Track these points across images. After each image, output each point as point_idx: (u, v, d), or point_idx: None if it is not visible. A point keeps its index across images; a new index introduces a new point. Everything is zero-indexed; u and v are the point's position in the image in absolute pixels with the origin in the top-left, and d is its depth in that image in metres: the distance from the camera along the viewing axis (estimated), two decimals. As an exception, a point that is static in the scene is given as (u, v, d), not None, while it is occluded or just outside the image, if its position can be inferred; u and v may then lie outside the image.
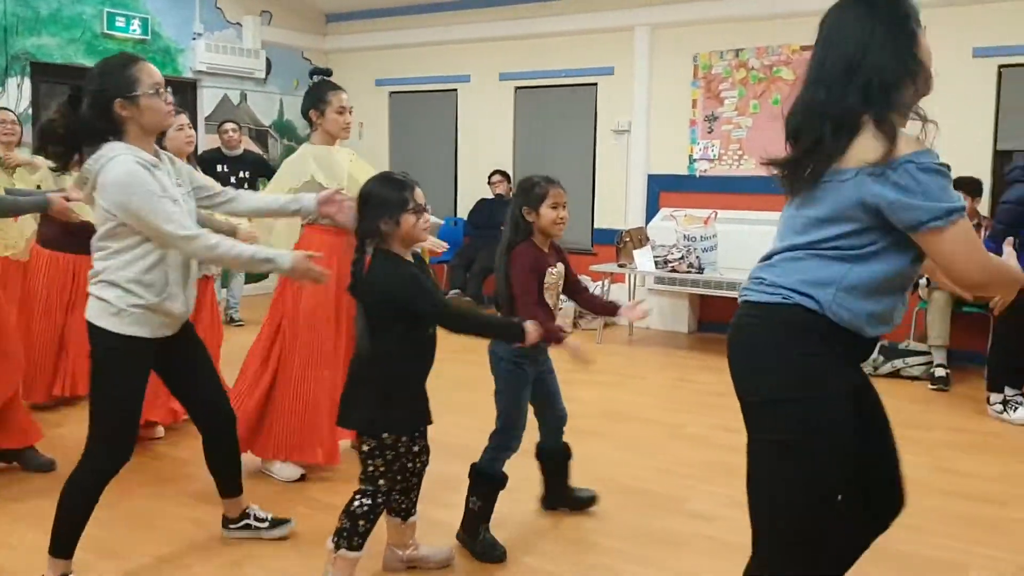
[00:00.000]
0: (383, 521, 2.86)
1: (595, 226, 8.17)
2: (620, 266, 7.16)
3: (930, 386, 5.66)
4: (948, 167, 1.76)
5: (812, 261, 1.83)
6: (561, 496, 3.48)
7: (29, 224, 4.58)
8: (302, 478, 3.82)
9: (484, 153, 8.69)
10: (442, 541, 3.13)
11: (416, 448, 2.76)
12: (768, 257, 1.94)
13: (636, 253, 7.00)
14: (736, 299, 5.94)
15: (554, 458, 3.41)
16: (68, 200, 3.75)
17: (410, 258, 2.69)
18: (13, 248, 3.73)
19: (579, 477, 3.79)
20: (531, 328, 2.66)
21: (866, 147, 1.76)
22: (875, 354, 6.02)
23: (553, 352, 3.20)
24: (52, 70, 7.48)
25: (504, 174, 8.35)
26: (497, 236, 8.65)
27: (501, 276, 3.12)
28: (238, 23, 8.88)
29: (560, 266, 3.20)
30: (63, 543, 2.74)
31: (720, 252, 6.81)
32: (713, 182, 7.52)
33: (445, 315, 2.64)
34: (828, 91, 1.84)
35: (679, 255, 6.77)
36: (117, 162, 2.57)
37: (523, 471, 3.46)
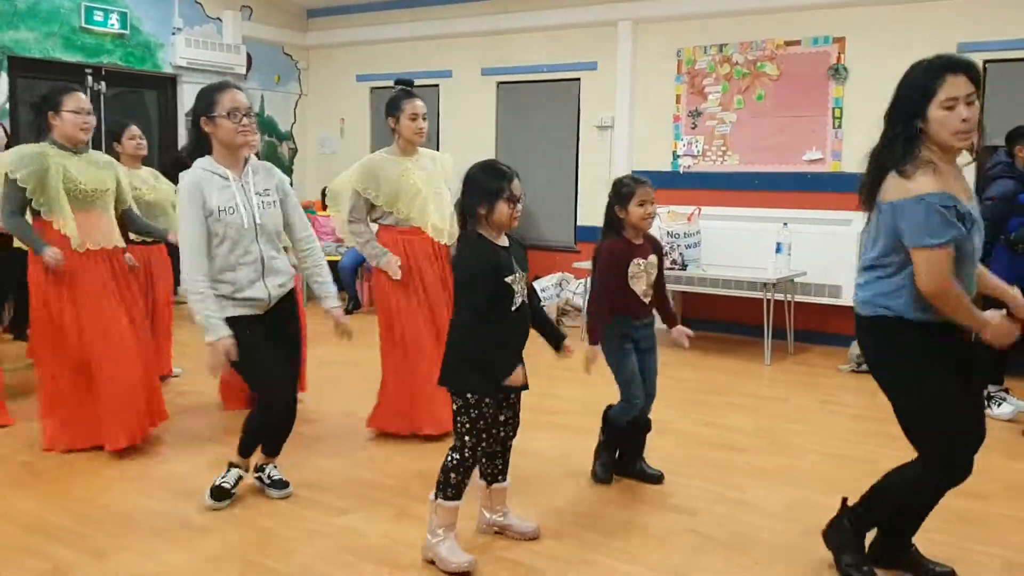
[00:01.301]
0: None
1: (578, 223, 8.15)
2: (604, 262, 7.15)
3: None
4: (951, 208, 2.46)
5: (883, 280, 2.63)
6: (630, 465, 3.80)
7: None
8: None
9: (466, 149, 8.61)
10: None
11: (502, 417, 3.04)
12: (861, 271, 2.73)
13: (620, 249, 6.99)
14: (720, 295, 6.11)
15: (633, 429, 3.74)
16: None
17: (502, 241, 2.92)
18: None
19: (564, 472, 3.78)
20: (516, 374, 2.92)
21: (890, 187, 2.54)
22: (858, 350, 6.02)
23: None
24: (30, 65, 7.38)
25: (487, 170, 8.31)
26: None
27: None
28: (218, 18, 8.81)
29: (653, 258, 3.62)
30: (245, 449, 3.49)
31: (703, 249, 6.81)
32: (697, 178, 7.52)
33: (469, 321, 2.87)
34: (881, 138, 2.62)
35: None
36: (185, 175, 3.21)
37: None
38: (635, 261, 3.56)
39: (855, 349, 6.07)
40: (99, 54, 7.86)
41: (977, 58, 6.32)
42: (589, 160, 8.09)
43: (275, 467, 3.62)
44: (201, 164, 3.22)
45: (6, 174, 3.87)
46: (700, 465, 4.03)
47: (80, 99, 3.97)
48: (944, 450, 2.70)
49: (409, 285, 4.27)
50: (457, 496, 2.92)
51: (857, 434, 4.60)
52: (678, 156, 7.63)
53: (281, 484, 3.58)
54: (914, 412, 2.72)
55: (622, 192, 3.53)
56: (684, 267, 6.70)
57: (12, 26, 7.23)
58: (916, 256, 2.47)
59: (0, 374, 4.52)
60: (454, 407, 2.92)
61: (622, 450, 3.83)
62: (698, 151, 7.53)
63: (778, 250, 6.38)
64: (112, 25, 7.86)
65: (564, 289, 7.76)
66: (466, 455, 2.91)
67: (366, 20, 9.24)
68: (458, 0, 8.57)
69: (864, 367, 5.93)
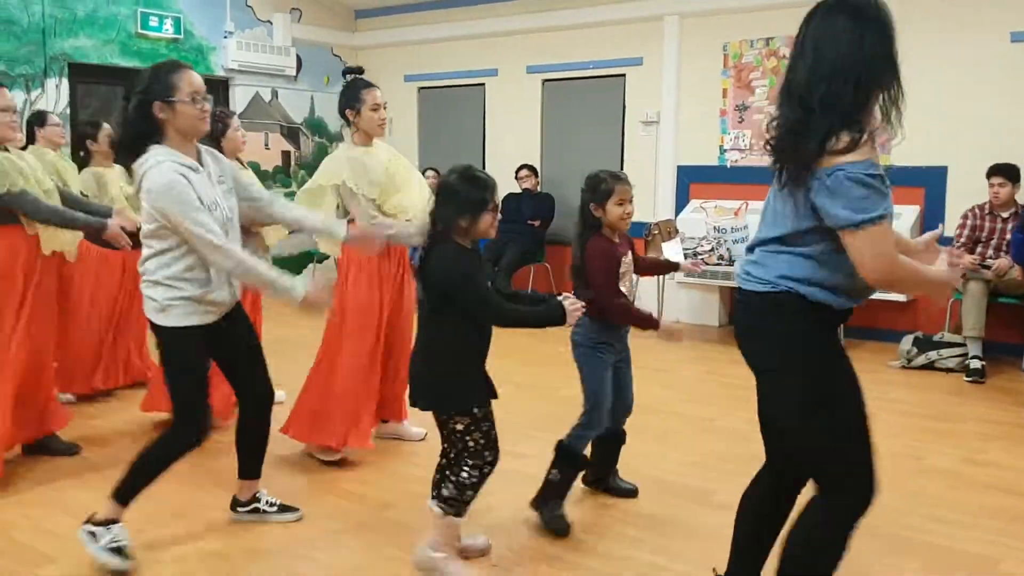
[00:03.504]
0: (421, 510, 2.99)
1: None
2: (650, 258, 7.14)
3: (965, 378, 5.58)
4: (879, 176, 2.02)
5: (786, 257, 2.16)
6: (604, 479, 3.59)
7: None
8: (340, 462, 3.95)
9: (512, 147, 8.70)
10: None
11: None
12: (751, 250, 2.27)
13: (665, 245, 6.97)
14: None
15: (608, 441, 3.49)
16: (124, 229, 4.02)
17: (471, 248, 2.80)
18: (68, 246, 4.01)
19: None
20: (568, 306, 2.74)
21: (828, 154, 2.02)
22: (909, 345, 5.95)
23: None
24: (89, 71, 7.61)
25: (532, 168, 8.35)
26: (525, 230, 8.70)
27: (578, 265, 3.28)
28: (268, 21, 8.96)
29: (630, 254, 3.38)
30: (125, 493, 2.97)
31: (751, 243, 6.75)
32: (744, 172, 7.45)
33: (493, 314, 2.77)
34: (803, 99, 2.07)
35: (709, 247, 6.73)
36: (159, 170, 2.76)
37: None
38: (624, 259, 3.34)
39: (906, 345, 5.98)
40: (154, 58, 8.03)
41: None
42: (635, 155, 8.07)
43: (265, 491, 3.39)
44: (165, 156, 2.80)
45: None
46: (745, 462, 3.99)
47: (5, 96, 3.76)
48: (864, 472, 2.17)
49: (371, 285, 3.97)
50: (465, 513, 2.85)
51: (904, 429, 4.54)
52: (725, 150, 7.58)
53: (288, 507, 3.37)
54: (822, 425, 2.17)
55: (600, 189, 3.25)
56: (731, 263, 6.65)
57: (72, 34, 7.46)
58: (852, 238, 2.02)
59: None
60: (458, 428, 2.78)
61: (595, 465, 3.54)
62: (745, 145, 7.46)
63: (827, 245, 6.29)
64: (167, 30, 8.06)
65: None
66: (486, 471, 2.82)
67: (413, 20, 9.33)
68: (503, -2, 8.62)
69: (915, 361, 5.88)
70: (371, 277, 3.96)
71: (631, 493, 3.58)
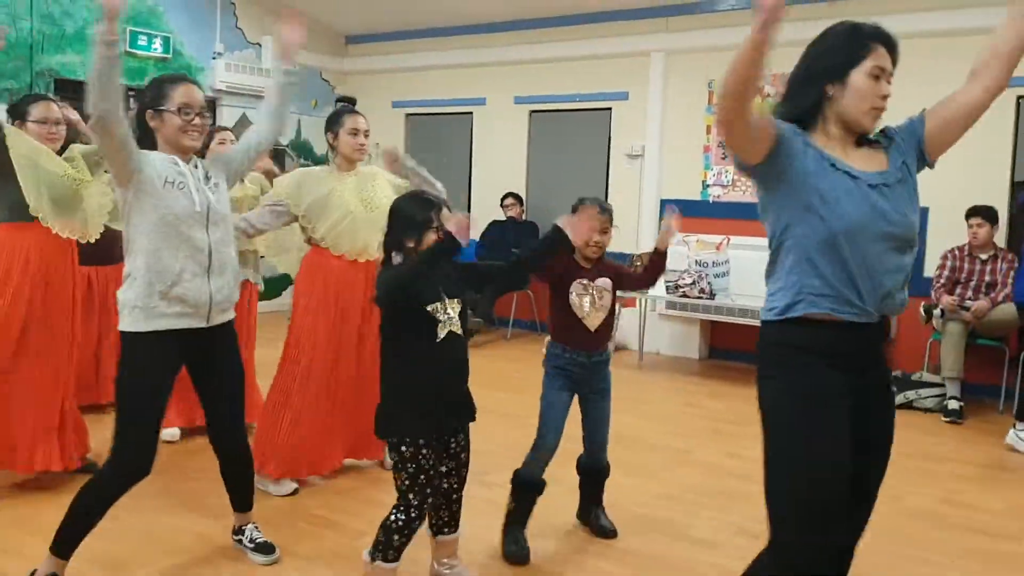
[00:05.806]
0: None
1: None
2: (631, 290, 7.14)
3: (943, 418, 5.60)
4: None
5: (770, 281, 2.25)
6: (587, 514, 3.54)
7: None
8: (295, 492, 3.84)
9: (498, 176, 8.72)
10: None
11: (443, 468, 2.76)
12: None
13: (648, 278, 6.98)
14: (749, 325, 6.06)
15: (585, 474, 3.49)
16: None
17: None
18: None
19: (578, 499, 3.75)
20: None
21: None
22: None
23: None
24: (76, 87, 7.56)
25: (517, 197, 8.37)
26: (509, 258, 8.69)
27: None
28: (258, 43, 8.98)
29: (603, 281, 3.35)
30: (66, 544, 2.73)
31: (732, 278, 6.79)
32: (726, 208, 7.51)
33: (389, 359, 2.70)
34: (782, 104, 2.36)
35: (691, 280, 6.75)
36: None
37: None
38: (579, 281, 3.29)
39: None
40: (142, 76, 8.03)
41: (1010, 94, 6.28)
42: (619, 188, 8.11)
43: (256, 527, 3.19)
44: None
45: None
46: (722, 497, 4.00)
47: (49, 108, 3.81)
48: (790, 538, 2.06)
49: (323, 312, 3.80)
50: (397, 558, 2.64)
51: (884, 470, 4.53)
52: (708, 185, 7.63)
53: (267, 548, 3.13)
54: (770, 466, 2.06)
55: (574, 210, 3.32)
56: (712, 296, 6.68)
57: (59, 50, 7.44)
58: None
59: None
60: (393, 459, 2.66)
61: (580, 497, 3.55)
62: (728, 181, 7.52)
63: (808, 282, 6.33)
64: (155, 49, 8.05)
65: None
66: (412, 515, 2.62)
67: (403, 47, 9.38)
68: (493, 29, 8.66)
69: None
70: (323, 305, 3.80)
71: (608, 533, 3.47)
